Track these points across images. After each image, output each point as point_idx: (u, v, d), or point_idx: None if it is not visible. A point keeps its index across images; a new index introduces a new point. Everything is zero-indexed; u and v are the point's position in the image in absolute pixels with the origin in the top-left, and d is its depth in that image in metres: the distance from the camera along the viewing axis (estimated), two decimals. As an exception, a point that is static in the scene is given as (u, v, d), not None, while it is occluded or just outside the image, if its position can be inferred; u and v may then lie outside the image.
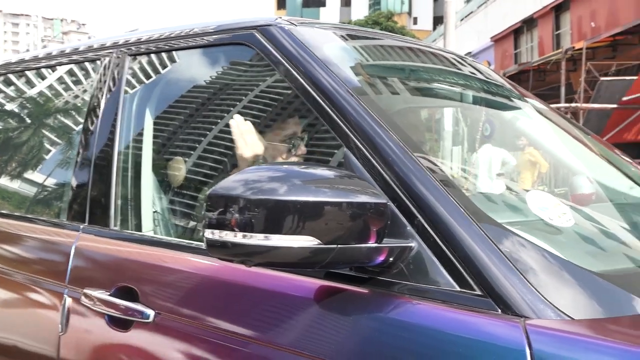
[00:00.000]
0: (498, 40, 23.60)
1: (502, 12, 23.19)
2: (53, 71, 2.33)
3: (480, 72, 2.10)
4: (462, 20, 27.06)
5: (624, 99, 13.72)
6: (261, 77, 1.77)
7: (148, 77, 1.94)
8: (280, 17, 1.68)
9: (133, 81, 1.93)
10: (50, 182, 2.20)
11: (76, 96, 2.21)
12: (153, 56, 1.92)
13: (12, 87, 2.52)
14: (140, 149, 1.86)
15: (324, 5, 52.89)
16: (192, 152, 1.88)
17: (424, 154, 1.33)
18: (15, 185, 2.38)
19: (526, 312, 1.04)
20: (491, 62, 22.93)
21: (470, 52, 24.28)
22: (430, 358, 1.06)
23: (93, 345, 1.64)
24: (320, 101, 1.41)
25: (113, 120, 1.87)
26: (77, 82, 2.22)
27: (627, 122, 14.15)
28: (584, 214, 1.60)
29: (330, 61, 1.50)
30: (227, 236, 1.12)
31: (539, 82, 18.53)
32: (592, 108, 14.41)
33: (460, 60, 2.11)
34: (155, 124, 1.90)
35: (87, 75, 2.15)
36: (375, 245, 1.15)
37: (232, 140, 1.80)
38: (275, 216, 1.09)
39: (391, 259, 1.18)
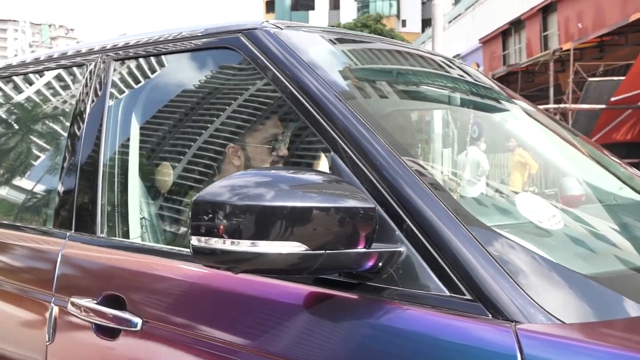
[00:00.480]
0: (486, 42, 23.71)
1: (490, 14, 23.30)
2: (39, 76, 2.31)
3: (469, 75, 2.10)
4: (450, 22, 27.16)
5: (612, 99, 13.81)
6: (247, 82, 1.75)
7: (134, 81, 1.92)
8: (267, 21, 1.67)
9: (119, 86, 1.91)
10: (36, 188, 2.18)
11: (62, 101, 2.19)
12: (139, 61, 1.91)
13: (1, 92, 2.49)
14: (127, 154, 1.84)
15: (312, 8, 52.94)
16: (179, 157, 1.86)
17: (412, 157, 1.33)
18: (0, 192, 2.35)
19: (517, 317, 1.03)
20: (480, 64, 23.02)
21: (458, 54, 24.38)
22: None
23: (80, 355, 1.62)
24: (307, 105, 1.39)
25: (99, 125, 1.85)
26: (63, 87, 2.19)
27: (616, 122, 14.24)
28: (574, 216, 1.60)
29: (316, 64, 1.49)
30: (214, 243, 1.10)
31: (528, 83, 18.63)
32: (581, 109, 14.49)
33: (448, 62, 2.11)
34: (141, 129, 1.88)
35: (73, 80, 2.13)
36: (364, 250, 1.14)
37: (219, 145, 1.79)
38: (262, 222, 1.08)
39: (380, 264, 1.16)
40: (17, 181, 2.30)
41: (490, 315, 1.05)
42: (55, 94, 2.24)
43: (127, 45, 1.92)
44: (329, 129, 1.34)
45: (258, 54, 1.53)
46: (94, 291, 1.60)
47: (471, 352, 1.01)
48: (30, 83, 2.36)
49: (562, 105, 14.87)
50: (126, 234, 1.75)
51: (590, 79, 14.66)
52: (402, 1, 50.10)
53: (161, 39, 1.84)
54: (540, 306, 1.04)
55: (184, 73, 1.89)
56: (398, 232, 1.18)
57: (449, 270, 1.11)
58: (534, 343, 0.98)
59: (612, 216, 1.71)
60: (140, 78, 1.91)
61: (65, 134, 1.99)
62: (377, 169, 1.24)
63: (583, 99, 14.51)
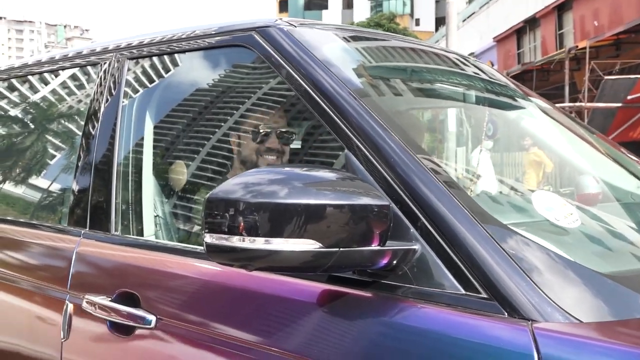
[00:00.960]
0: (500, 40, 23.56)
1: (505, 12, 23.15)
2: (55, 76, 2.32)
3: (484, 72, 2.08)
4: (464, 21, 27.01)
5: (629, 97, 13.68)
6: (261, 79, 1.75)
7: (148, 80, 1.93)
8: (281, 19, 1.66)
9: (133, 85, 1.91)
10: (51, 187, 2.19)
11: (77, 100, 2.20)
12: (153, 59, 1.91)
13: (14, 92, 2.51)
14: (141, 152, 1.84)
15: (326, 7, 52.92)
16: (193, 155, 1.87)
17: (427, 155, 1.31)
18: (15, 190, 2.37)
19: (533, 315, 1.02)
20: (494, 62, 22.88)
21: (472, 53, 24.23)
22: None
23: (95, 352, 1.63)
24: (321, 102, 1.39)
25: (113, 124, 1.86)
26: (78, 86, 2.20)
27: (633, 120, 14.10)
28: (591, 214, 1.58)
29: (330, 62, 1.48)
30: (227, 241, 1.10)
31: (543, 81, 18.49)
32: (597, 107, 14.36)
33: (463, 60, 2.09)
34: (155, 127, 1.88)
35: (87, 79, 2.14)
36: (378, 248, 1.13)
37: (233, 143, 1.79)
38: (276, 220, 1.07)
39: (394, 262, 1.16)
40: (32, 179, 2.32)
41: (506, 314, 1.04)
42: (70, 93, 2.25)
43: (141, 44, 1.93)
44: (342, 126, 1.33)
45: (272, 51, 1.53)
46: (109, 289, 1.61)
47: (487, 351, 1.00)
48: (46, 82, 2.37)
49: (577, 104, 14.74)
50: (140, 232, 1.75)
51: (606, 77, 14.52)
52: (416, 0, 49.94)
53: (174, 38, 1.84)
54: (557, 305, 1.03)
55: (197, 71, 1.89)
56: (413, 229, 1.17)
57: (464, 268, 1.10)
58: (551, 342, 0.97)
59: (630, 215, 1.68)
60: (154, 77, 1.92)
61: (80, 133, 2.00)
62: (391, 167, 1.23)
63: (599, 97, 14.37)
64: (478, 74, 2.06)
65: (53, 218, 2.12)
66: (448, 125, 3.12)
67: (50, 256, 1.92)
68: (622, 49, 16.35)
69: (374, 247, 1.12)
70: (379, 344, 1.11)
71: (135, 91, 1.92)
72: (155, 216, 1.79)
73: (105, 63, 2.00)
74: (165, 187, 1.85)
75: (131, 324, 1.51)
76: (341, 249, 1.10)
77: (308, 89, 1.42)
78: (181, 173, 1.83)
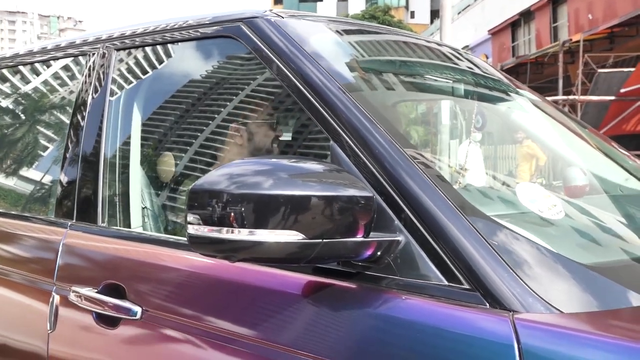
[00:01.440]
0: (495, 33, 23.55)
1: (499, 5, 23.13)
2: (45, 66, 2.31)
3: (476, 66, 2.07)
4: (459, 13, 27.00)
5: (622, 90, 13.71)
6: (249, 71, 1.74)
7: (135, 71, 1.92)
8: (270, 10, 1.65)
9: (120, 76, 1.90)
10: (38, 178, 2.18)
11: (66, 91, 2.19)
12: (140, 50, 1.90)
13: (5, 83, 2.50)
14: (128, 144, 1.84)
15: (320, 0, 52.74)
16: (180, 147, 1.86)
17: (413, 147, 1.31)
18: (2, 181, 2.36)
19: (515, 306, 1.02)
20: (489, 55, 22.88)
21: (467, 46, 24.24)
22: (418, 353, 1.05)
23: (81, 343, 1.63)
24: (307, 94, 1.38)
25: (101, 115, 1.85)
26: (65, 77, 2.19)
27: (626, 113, 14.13)
28: (576, 206, 1.58)
29: (318, 54, 1.47)
30: (210, 232, 1.10)
31: (537, 74, 18.51)
32: (590, 100, 14.39)
33: (455, 53, 2.09)
34: (143, 119, 1.88)
35: (74, 70, 2.12)
36: (362, 239, 1.13)
37: (221, 135, 1.79)
38: (259, 211, 1.07)
39: (378, 253, 1.16)
40: (19, 171, 2.31)
41: (488, 305, 1.04)
42: (60, 83, 2.24)
43: (129, 34, 1.92)
44: (328, 117, 1.33)
45: (259, 42, 1.52)
46: (95, 280, 1.60)
47: (468, 341, 1.01)
48: (36, 72, 2.36)
49: (571, 97, 14.76)
50: (127, 224, 1.75)
51: (599, 70, 14.54)
52: (411, -8, 49.85)
53: (163, 28, 1.83)
54: (539, 295, 1.03)
55: (186, 62, 1.88)
56: (397, 221, 1.17)
57: (447, 260, 1.10)
58: (531, 332, 0.97)
59: (617, 206, 1.69)
60: (142, 68, 1.91)
61: (68, 123, 1.99)
62: (376, 158, 1.23)
63: (592, 90, 14.40)
64: (470, 67, 2.05)
65: (40, 210, 2.11)
66: (437, 118, 3.12)
67: (37, 248, 1.92)
68: (616, 42, 16.37)
69: (358, 238, 1.13)
70: (362, 334, 1.12)
71: (123, 82, 1.91)
72: (143, 208, 1.79)
73: (93, 53, 1.99)
74: (153, 179, 1.85)
75: (117, 315, 1.51)
76: (325, 240, 1.10)
77: (294, 80, 1.42)
78: (169, 165, 1.83)
